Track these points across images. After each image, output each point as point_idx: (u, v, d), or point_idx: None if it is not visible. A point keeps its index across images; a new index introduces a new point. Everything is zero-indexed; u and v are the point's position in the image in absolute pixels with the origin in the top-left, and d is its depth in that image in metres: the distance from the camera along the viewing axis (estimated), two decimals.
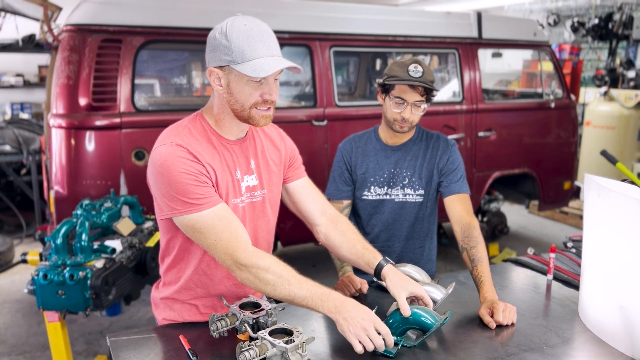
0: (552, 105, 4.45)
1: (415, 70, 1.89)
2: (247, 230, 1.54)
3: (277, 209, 1.68)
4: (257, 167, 1.58)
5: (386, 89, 1.98)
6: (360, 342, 1.31)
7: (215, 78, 1.42)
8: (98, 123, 2.95)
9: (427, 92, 1.94)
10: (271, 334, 1.29)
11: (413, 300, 1.52)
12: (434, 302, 1.57)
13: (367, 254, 1.61)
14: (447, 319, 1.44)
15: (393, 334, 1.42)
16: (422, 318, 1.42)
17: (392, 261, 1.59)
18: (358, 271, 2.06)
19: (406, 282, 1.51)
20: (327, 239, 1.69)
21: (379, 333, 1.33)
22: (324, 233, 1.69)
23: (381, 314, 1.61)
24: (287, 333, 1.30)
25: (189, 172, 1.38)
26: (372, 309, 1.63)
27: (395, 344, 1.39)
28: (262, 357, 1.24)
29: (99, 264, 2.45)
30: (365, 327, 1.32)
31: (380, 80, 1.99)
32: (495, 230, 4.76)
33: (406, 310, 1.43)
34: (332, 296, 1.36)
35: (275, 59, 1.38)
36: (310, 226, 1.73)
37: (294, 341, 1.25)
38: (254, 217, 1.59)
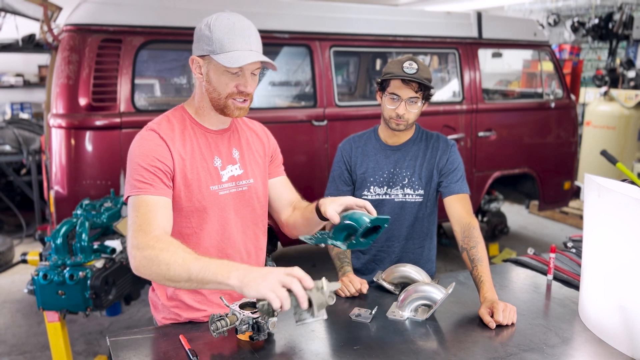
0: (552, 105, 4.45)
1: (410, 67, 1.90)
2: (234, 220, 1.58)
3: (265, 200, 1.70)
4: (242, 157, 1.62)
5: (382, 87, 1.99)
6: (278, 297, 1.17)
7: (197, 66, 1.50)
8: (98, 123, 2.95)
9: (423, 90, 1.94)
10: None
11: (419, 307, 1.55)
12: (434, 302, 1.57)
13: (312, 205, 1.57)
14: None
15: (337, 239, 1.43)
16: (355, 217, 1.40)
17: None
18: (358, 271, 2.07)
19: (338, 198, 1.48)
20: (287, 222, 1.71)
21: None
22: (285, 220, 1.71)
23: (381, 315, 1.61)
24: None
25: (148, 155, 1.44)
26: (372, 309, 1.63)
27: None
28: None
29: (99, 264, 2.45)
30: (280, 280, 1.18)
31: (378, 79, 2.00)
32: (495, 230, 4.76)
33: (334, 218, 1.41)
34: (231, 262, 1.26)
35: (252, 53, 1.44)
36: (278, 222, 1.76)
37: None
38: (240, 207, 1.61)
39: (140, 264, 1.31)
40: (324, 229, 1.60)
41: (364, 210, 1.44)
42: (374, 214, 1.44)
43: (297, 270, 1.22)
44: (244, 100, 1.50)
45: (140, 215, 1.37)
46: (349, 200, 1.46)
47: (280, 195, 1.75)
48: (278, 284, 1.18)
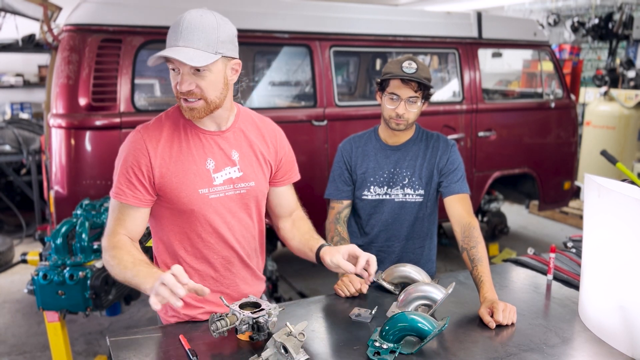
0: (552, 105, 4.44)
1: (409, 67, 1.90)
2: (231, 223, 1.58)
3: (264, 202, 1.69)
4: (242, 159, 1.59)
5: (382, 87, 1.99)
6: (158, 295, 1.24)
7: None
8: (98, 123, 2.95)
9: (422, 89, 1.94)
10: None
11: (419, 307, 1.54)
12: (434, 302, 1.57)
13: (312, 241, 1.64)
14: (445, 325, 1.40)
15: (390, 340, 1.41)
16: (419, 324, 1.40)
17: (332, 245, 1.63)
18: None
19: (340, 247, 1.53)
20: (284, 233, 1.74)
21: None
22: (282, 229, 1.74)
23: (381, 315, 1.61)
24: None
25: (127, 160, 1.50)
26: (372, 309, 1.63)
27: (392, 352, 1.38)
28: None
29: (99, 264, 2.45)
30: (162, 279, 1.24)
31: (378, 79, 2.01)
32: (495, 230, 4.76)
33: (349, 268, 1.46)
34: (156, 273, 1.32)
35: (169, 50, 1.39)
36: (275, 227, 1.78)
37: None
38: (237, 210, 1.59)
39: (105, 264, 1.48)
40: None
41: (360, 261, 1.48)
42: (375, 266, 1.48)
43: (176, 268, 1.27)
44: (194, 100, 1.43)
45: (112, 220, 1.51)
46: (352, 248, 1.50)
47: (281, 202, 1.74)
48: (158, 283, 1.24)
